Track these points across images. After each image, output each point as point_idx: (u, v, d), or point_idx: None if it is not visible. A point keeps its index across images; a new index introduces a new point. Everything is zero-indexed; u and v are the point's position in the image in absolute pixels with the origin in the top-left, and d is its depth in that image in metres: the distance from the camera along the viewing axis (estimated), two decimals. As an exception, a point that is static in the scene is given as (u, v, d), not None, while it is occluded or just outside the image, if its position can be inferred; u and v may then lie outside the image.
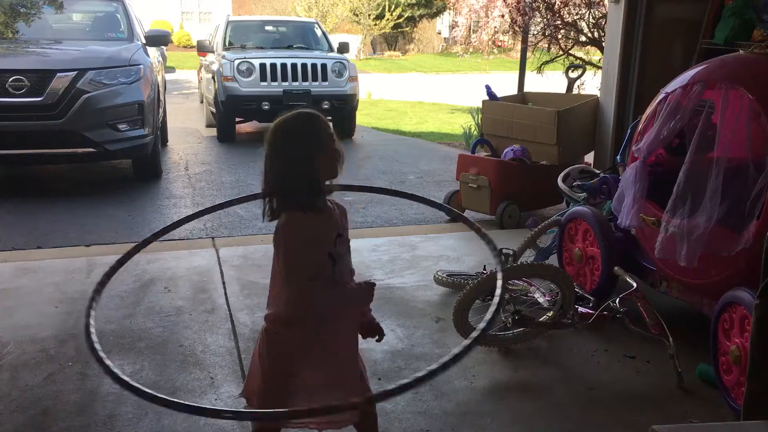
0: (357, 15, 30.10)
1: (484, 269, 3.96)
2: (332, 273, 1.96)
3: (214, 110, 9.95)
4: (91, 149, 6.31)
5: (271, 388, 2.00)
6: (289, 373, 1.99)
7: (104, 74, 6.36)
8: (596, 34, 8.41)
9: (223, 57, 9.60)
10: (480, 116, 6.61)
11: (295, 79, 9.31)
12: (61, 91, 6.10)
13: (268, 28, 11.42)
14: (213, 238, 5.13)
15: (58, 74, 6.13)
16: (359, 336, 2.15)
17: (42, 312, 3.65)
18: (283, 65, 9.31)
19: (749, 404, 1.99)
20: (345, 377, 2.06)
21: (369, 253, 4.63)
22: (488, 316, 1.74)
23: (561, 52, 8.91)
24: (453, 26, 21.78)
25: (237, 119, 9.75)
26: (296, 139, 1.94)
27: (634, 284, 3.34)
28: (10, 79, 6.00)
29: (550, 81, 8.84)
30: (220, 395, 2.84)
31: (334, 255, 1.96)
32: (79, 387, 2.90)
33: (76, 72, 6.18)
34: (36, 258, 4.58)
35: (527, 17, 8.84)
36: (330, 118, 9.91)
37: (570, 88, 6.26)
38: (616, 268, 3.50)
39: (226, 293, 3.94)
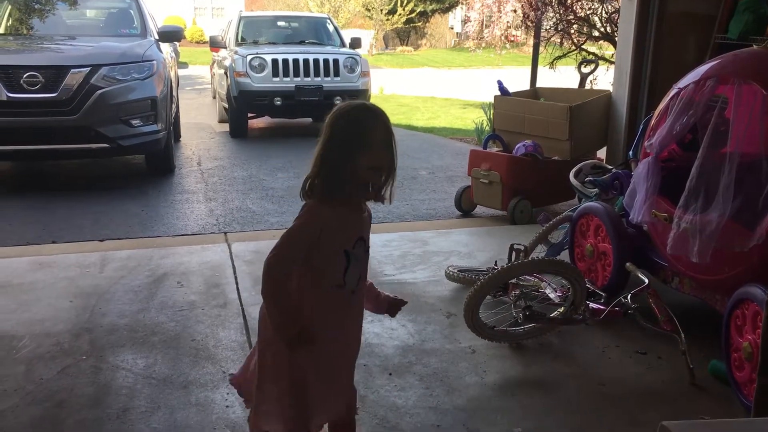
0: (369, 10, 30.08)
1: (495, 265, 3.96)
2: (344, 273, 1.93)
3: (226, 106, 9.98)
4: (105, 145, 6.36)
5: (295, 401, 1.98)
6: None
7: (118, 70, 6.40)
8: (609, 29, 8.36)
9: (236, 52, 9.62)
10: (492, 111, 6.60)
11: (307, 74, 9.33)
12: (75, 87, 6.15)
13: (281, 23, 11.44)
14: (225, 233, 5.15)
15: (72, 70, 6.18)
16: (388, 314, 2.17)
17: (56, 306, 3.69)
18: (296, 61, 9.33)
19: (761, 400, 1.99)
20: (349, 376, 2.10)
21: (380, 248, 4.64)
22: None
23: (573, 47, 8.85)
24: (465, 21, 21.75)
25: (249, 115, 9.79)
26: (344, 127, 1.90)
27: (646, 280, 3.34)
28: (25, 75, 6.05)
29: (562, 76, 8.79)
30: (232, 390, 2.85)
31: (351, 255, 1.93)
32: (93, 380, 2.93)
33: (90, 68, 6.23)
34: (50, 252, 4.63)
35: (540, 12, 8.79)
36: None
37: (582, 83, 6.23)
38: (627, 264, 3.49)
39: (238, 288, 3.96)
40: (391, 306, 2.14)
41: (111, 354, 3.17)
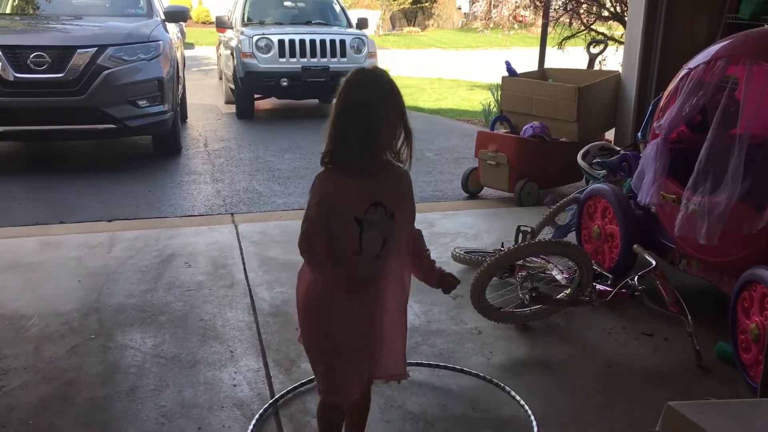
0: (376, -10, 29.84)
1: (502, 247, 3.96)
2: (359, 239, 1.92)
3: (233, 87, 9.96)
4: (112, 125, 6.37)
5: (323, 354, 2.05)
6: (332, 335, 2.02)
7: (124, 50, 6.39)
8: (619, 9, 8.27)
9: (242, 33, 9.58)
10: (499, 93, 6.56)
11: (313, 55, 9.29)
12: (82, 68, 6.15)
13: (287, 3, 11.36)
14: (232, 214, 5.16)
15: (79, 50, 6.17)
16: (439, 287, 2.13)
17: (65, 286, 3.72)
18: (302, 41, 9.29)
19: (766, 381, 1.99)
20: (387, 344, 2.08)
21: (387, 230, 4.64)
22: None
23: (582, 27, 8.78)
24: (473, 1, 21.57)
25: (256, 96, 9.76)
26: (344, 92, 1.90)
27: (654, 262, 3.33)
28: (32, 56, 6.05)
29: (571, 57, 8.73)
30: (240, 369, 2.88)
31: (363, 222, 1.92)
32: (102, 359, 2.96)
33: (96, 48, 6.22)
34: (59, 233, 4.65)
35: (549, -9, 8.71)
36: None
37: (591, 63, 6.18)
38: (635, 245, 3.49)
39: (245, 269, 3.98)
40: (443, 281, 2.09)
41: (119, 333, 3.19)
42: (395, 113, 1.91)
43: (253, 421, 2.48)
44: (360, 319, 2.00)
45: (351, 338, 2.00)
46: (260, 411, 2.55)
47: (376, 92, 1.90)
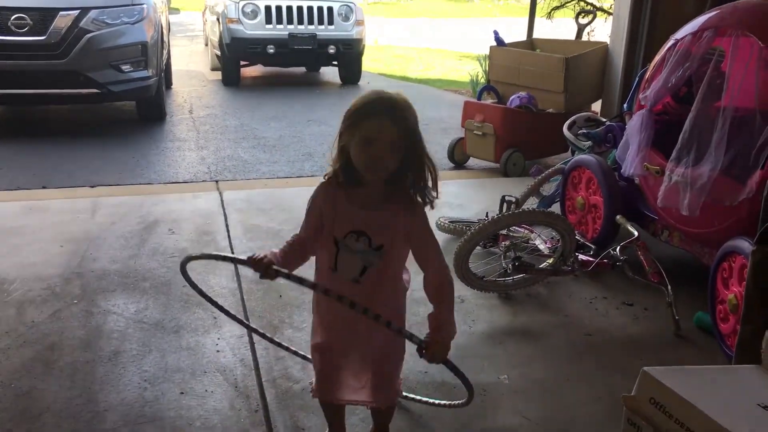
0: (365, -43, 29.45)
1: (487, 216, 3.97)
2: (335, 259, 1.86)
3: (218, 53, 9.85)
4: (95, 90, 6.29)
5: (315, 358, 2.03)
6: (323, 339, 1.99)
7: (107, 13, 6.29)
8: (608, -20, 8.23)
9: (228, -2, 9.45)
10: (487, 63, 6.53)
11: (300, 22, 9.19)
12: (64, 31, 6.05)
13: (274, -32, 11.19)
14: (217, 181, 5.14)
15: (61, 13, 6.06)
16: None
17: (47, 251, 3.69)
18: (289, 8, 9.17)
19: (741, 348, 2.03)
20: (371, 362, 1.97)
21: (372, 199, 4.64)
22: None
23: (572, -2, 8.73)
24: (463, -30, 21.31)
25: (242, 63, 9.66)
26: (350, 106, 1.80)
27: (636, 233, 3.36)
28: (12, 17, 5.93)
29: (560, 27, 8.68)
30: (223, 334, 2.89)
31: (340, 244, 1.84)
32: (84, 324, 2.95)
33: (78, 11, 6.11)
34: (41, 198, 4.61)
35: (538, -39, 8.62)
36: (335, 63, 9.82)
37: (579, 34, 6.16)
38: (618, 216, 3.51)
39: (229, 236, 3.97)
40: (428, 346, 1.83)
41: (102, 298, 3.18)
42: (362, 144, 1.75)
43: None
44: (343, 328, 1.93)
45: (334, 341, 1.97)
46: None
47: (380, 120, 1.74)
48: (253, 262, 1.80)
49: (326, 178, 1.88)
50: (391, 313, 1.88)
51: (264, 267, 1.79)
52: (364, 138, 1.74)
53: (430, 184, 1.84)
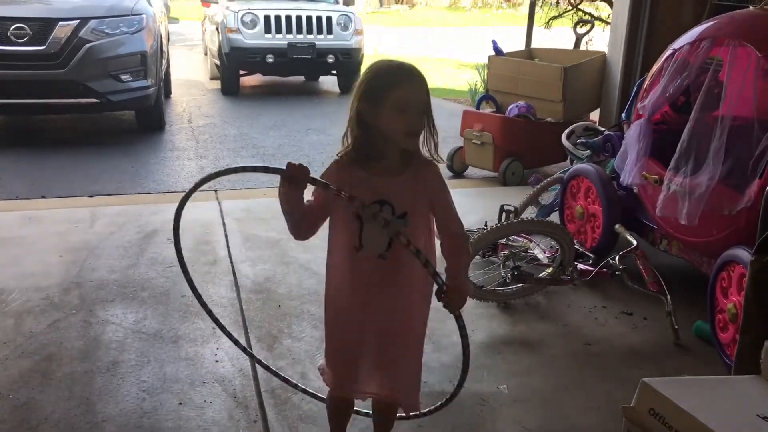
0: (364, -33, 29.54)
1: (485, 226, 3.97)
2: (359, 235, 1.83)
3: (218, 62, 9.85)
4: (94, 99, 6.29)
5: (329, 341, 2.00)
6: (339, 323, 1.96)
7: (107, 23, 6.30)
8: (606, -11, 8.26)
9: (227, 8, 9.47)
10: (486, 72, 6.55)
11: (299, 31, 9.20)
12: (64, 40, 6.06)
13: (273, -22, 11.23)
14: (216, 190, 5.13)
15: (60, 23, 6.08)
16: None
17: (46, 261, 3.69)
18: (288, 17, 9.19)
19: (740, 358, 2.02)
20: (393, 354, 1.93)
21: (371, 208, 4.64)
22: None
23: (570, 7, 8.76)
24: (461, -21, 21.39)
25: (241, 72, 9.67)
26: (364, 80, 1.79)
27: (635, 242, 3.36)
28: (12, 27, 5.95)
29: (558, 37, 8.71)
30: (222, 345, 2.88)
31: (363, 217, 1.81)
32: (83, 334, 2.95)
33: (78, 21, 6.13)
34: (40, 207, 4.60)
35: (536, -29, 8.66)
36: (334, 72, 9.84)
37: (578, 43, 6.18)
38: (617, 225, 3.51)
39: (228, 246, 3.96)
40: (448, 293, 1.81)
41: (101, 309, 3.18)
42: (391, 111, 1.77)
43: None
44: (361, 319, 1.89)
45: (349, 332, 1.93)
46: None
47: (411, 89, 1.78)
48: (290, 166, 1.76)
49: (339, 156, 1.86)
50: (418, 297, 1.92)
51: (304, 173, 1.75)
52: (399, 106, 1.74)
53: (434, 150, 1.88)
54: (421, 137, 1.84)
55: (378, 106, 1.76)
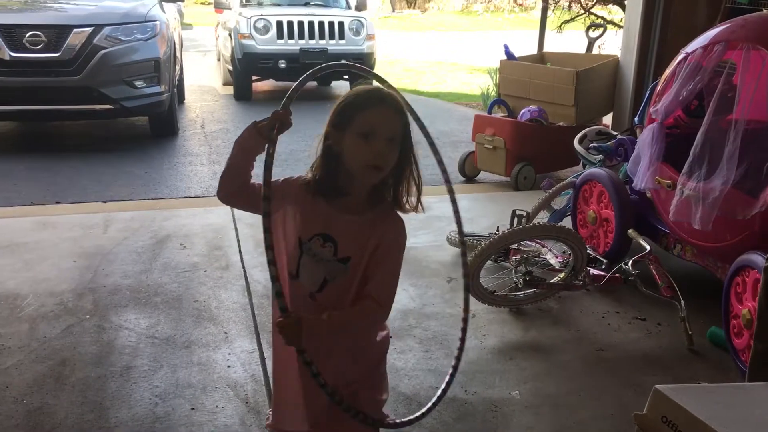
0: (376, -28, 29.61)
1: (497, 230, 3.96)
2: (296, 267, 1.63)
3: (230, 68, 9.90)
4: (108, 105, 6.34)
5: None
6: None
7: (120, 30, 6.35)
8: (619, -7, 8.24)
9: (240, 14, 9.51)
10: (497, 76, 6.54)
11: (312, 37, 9.23)
12: (78, 47, 6.11)
13: (286, -16, 11.27)
14: (228, 195, 5.15)
15: (75, 30, 6.13)
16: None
17: (60, 266, 3.72)
18: (300, 23, 9.23)
19: (755, 365, 2.00)
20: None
21: (383, 213, 4.65)
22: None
23: (582, 11, 8.74)
24: (473, -16, 21.38)
25: (254, 77, 9.72)
26: (337, 104, 1.62)
27: (648, 247, 3.34)
28: (28, 35, 6.00)
29: (570, 41, 8.69)
30: (234, 350, 2.89)
31: (303, 246, 1.62)
32: (96, 339, 2.97)
33: (92, 27, 6.18)
34: (54, 213, 4.64)
35: (548, -26, 8.65)
36: (346, 77, 9.86)
37: (590, 47, 6.16)
38: (630, 230, 3.49)
39: (240, 251, 3.98)
40: (289, 323, 1.53)
41: (114, 314, 3.20)
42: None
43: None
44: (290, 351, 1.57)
45: (284, 362, 1.72)
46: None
47: (377, 117, 1.57)
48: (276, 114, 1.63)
49: (306, 180, 1.66)
50: (345, 355, 1.65)
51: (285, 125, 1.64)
52: (364, 131, 1.55)
53: (414, 198, 1.66)
54: (403, 184, 1.63)
55: (343, 130, 1.57)
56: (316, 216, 1.62)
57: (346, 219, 1.61)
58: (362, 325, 1.67)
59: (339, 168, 1.60)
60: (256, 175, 1.69)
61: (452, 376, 1.78)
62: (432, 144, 1.80)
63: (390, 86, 1.68)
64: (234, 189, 1.68)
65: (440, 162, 1.78)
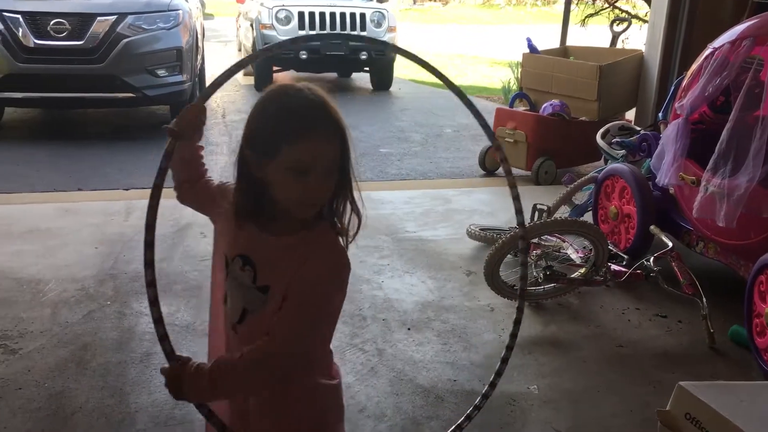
0: (398, -37, 29.52)
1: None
2: (225, 291, 1.43)
3: (251, 58, 9.92)
4: (131, 94, 6.38)
5: None
6: None
7: (144, 19, 6.39)
8: (644, -13, 8.14)
9: (262, 4, 9.53)
10: (519, 70, 6.50)
11: (333, 28, 9.23)
12: (102, 35, 6.16)
13: (308, -25, 11.27)
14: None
15: (98, 18, 6.18)
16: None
17: (82, 252, 3.75)
18: (322, 14, 9.22)
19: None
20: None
21: (402, 205, 4.64)
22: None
23: (606, 5, 8.66)
24: (496, -23, 21.27)
25: (274, 68, 9.74)
26: (254, 116, 1.36)
27: (670, 243, 3.31)
28: (52, 22, 6.06)
29: (594, 35, 8.61)
30: (253, 338, 2.91)
31: (230, 267, 1.39)
32: (117, 325, 2.99)
33: (116, 16, 6.22)
34: (77, 200, 4.69)
35: (573, -32, 8.58)
36: (367, 69, 9.85)
37: (614, 42, 6.10)
38: (652, 226, 3.46)
39: (260, 240, 3.99)
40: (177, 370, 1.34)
41: (135, 300, 3.22)
42: (286, 166, 1.28)
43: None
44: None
45: None
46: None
47: (306, 124, 1.28)
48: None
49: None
50: (270, 421, 1.38)
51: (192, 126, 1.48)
52: (296, 168, 1.27)
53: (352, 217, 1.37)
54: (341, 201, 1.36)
55: (267, 159, 1.29)
56: (240, 232, 1.37)
57: (269, 241, 1.34)
58: (258, 376, 1.30)
59: (263, 193, 1.33)
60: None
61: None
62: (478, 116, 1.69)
63: (433, 69, 1.56)
64: (185, 187, 1.59)
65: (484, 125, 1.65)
